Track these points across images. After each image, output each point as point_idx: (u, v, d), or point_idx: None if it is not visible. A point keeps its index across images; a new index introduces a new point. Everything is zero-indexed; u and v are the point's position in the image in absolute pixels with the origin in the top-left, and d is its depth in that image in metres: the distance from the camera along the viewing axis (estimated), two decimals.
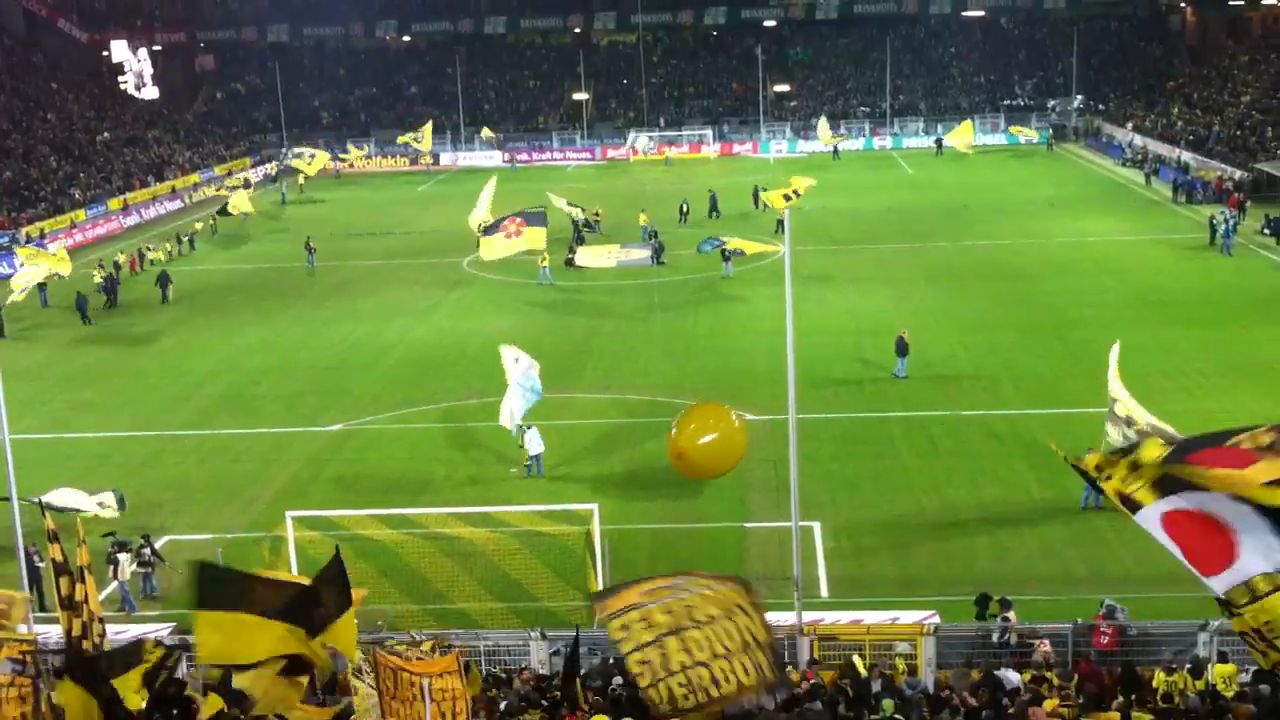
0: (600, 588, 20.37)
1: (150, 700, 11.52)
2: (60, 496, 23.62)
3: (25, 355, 40.47)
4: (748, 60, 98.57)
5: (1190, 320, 38.39)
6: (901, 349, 33.70)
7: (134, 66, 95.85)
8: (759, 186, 61.50)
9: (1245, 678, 15.26)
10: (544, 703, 15.49)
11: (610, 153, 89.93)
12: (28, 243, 56.25)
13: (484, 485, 27.57)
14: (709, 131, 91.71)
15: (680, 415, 21.86)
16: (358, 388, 35.56)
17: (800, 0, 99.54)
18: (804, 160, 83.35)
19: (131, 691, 11.72)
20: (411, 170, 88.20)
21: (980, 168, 76.29)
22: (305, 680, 9.97)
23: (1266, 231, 50.01)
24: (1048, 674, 16.62)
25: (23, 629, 15.12)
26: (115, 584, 22.57)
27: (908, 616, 18.83)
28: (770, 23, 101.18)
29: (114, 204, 69.94)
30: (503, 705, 15.53)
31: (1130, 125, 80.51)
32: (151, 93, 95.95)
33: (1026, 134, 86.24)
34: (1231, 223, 48.85)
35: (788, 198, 50.96)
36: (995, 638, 18.30)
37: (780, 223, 50.88)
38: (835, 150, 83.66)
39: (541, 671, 18.06)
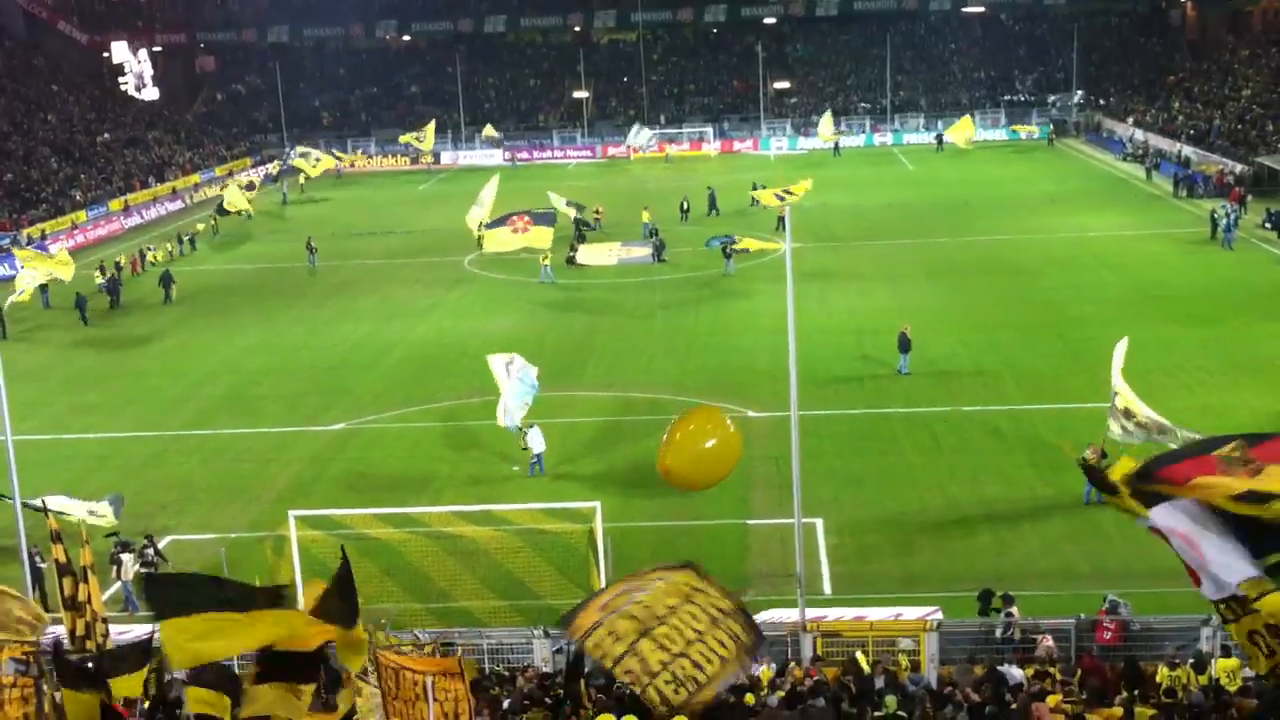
0: (602, 585, 20.36)
1: (151, 702, 11.53)
2: (55, 503, 23.45)
3: (27, 356, 40.48)
4: (748, 57, 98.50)
5: (1191, 316, 38.36)
6: (904, 345, 33.71)
7: (134, 68, 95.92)
8: (756, 184, 61.40)
9: (1248, 672, 15.25)
10: (547, 701, 15.50)
11: (611, 151, 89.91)
12: (29, 244, 56.29)
13: (486, 484, 27.59)
14: (709, 129, 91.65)
15: (669, 426, 20.45)
16: (359, 387, 35.57)
17: None
18: (804, 157, 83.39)
19: (132, 692, 11.74)
20: (412, 169, 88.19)
21: (981, 163, 76.26)
22: (308, 691, 9.84)
23: (1267, 226, 49.95)
24: (1051, 669, 16.63)
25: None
26: (118, 584, 22.60)
27: (911, 613, 18.88)
28: (770, 20, 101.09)
29: (115, 205, 69.98)
30: (506, 703, 15.55)
31: (1131, 120, 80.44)
32: (152, 94, 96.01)
33: (1027, 130, 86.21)
34: (1232, 217, 48.79)
35: (780, 197, 51.07)
36: (998, 633, 18.31)
37: (781, 220, 50.89)
38: (836, 147, 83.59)
39: (545, 670, 18.09)
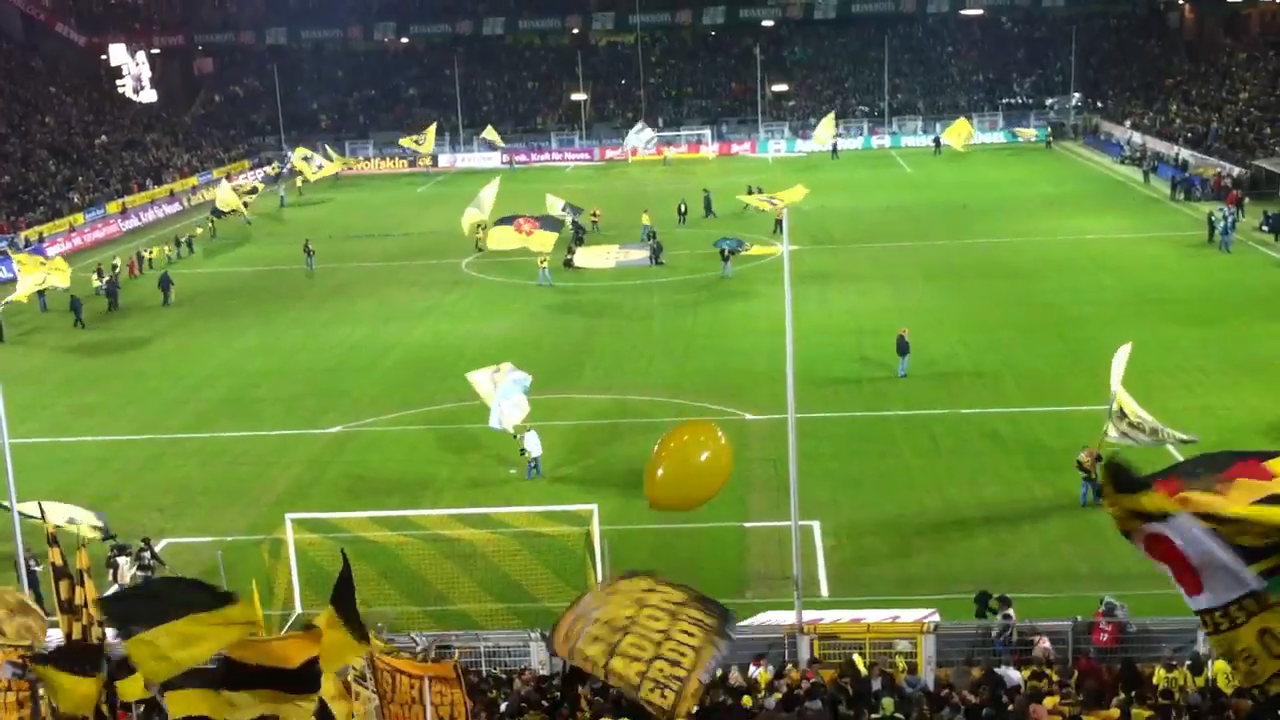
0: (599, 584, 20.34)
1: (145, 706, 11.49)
2: (47, 509, 23.07)
3: (24, 359, 40.48)
4: (746, 60, 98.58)
5: (1189, 317, 38.38)
6: (902, 348, 33.69)
7: (132, 70, 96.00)
8: (751, 188, 60.88)
9: None
10: (544, 703, 15.49)
11: (609, 153, 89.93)
12: (26, 246, 56.25)
13: (484, 487, 27.58)
14: (707, 131, 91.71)
15: (654, 450, 16.75)
16: (357, 390, 35.55)
17: (798, 0, 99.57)
18: (802, 160, 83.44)
19: (139, 694, 11.68)
20: (410, 172, 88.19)
21: (979, 166, 76.30)
22: (311, 705, 9.70)
23: (1265, 228, 50.00)
24: (1048, 671, 16.62)
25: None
26: (115, 587, 22.53)
27: (908, 615, 18.85)
28: (768, 22, 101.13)
29: (112, 207, 69.91)
30: (503, 706, 15.54)
31: (1129, 123, 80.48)
32: (150, 96, 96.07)
33: (1025, 135, 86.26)
34: (1230, 220, 48.83)
35: (772, 202, 51.17)
36: (995, 635, 18.30)
37: (779, 222, 50.92)
38: (834, 149, 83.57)
39: (542, 672, 18.08)
